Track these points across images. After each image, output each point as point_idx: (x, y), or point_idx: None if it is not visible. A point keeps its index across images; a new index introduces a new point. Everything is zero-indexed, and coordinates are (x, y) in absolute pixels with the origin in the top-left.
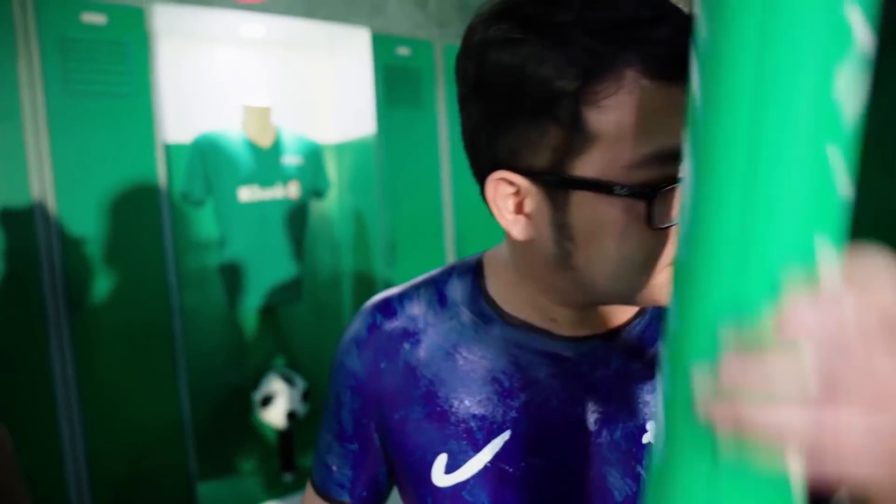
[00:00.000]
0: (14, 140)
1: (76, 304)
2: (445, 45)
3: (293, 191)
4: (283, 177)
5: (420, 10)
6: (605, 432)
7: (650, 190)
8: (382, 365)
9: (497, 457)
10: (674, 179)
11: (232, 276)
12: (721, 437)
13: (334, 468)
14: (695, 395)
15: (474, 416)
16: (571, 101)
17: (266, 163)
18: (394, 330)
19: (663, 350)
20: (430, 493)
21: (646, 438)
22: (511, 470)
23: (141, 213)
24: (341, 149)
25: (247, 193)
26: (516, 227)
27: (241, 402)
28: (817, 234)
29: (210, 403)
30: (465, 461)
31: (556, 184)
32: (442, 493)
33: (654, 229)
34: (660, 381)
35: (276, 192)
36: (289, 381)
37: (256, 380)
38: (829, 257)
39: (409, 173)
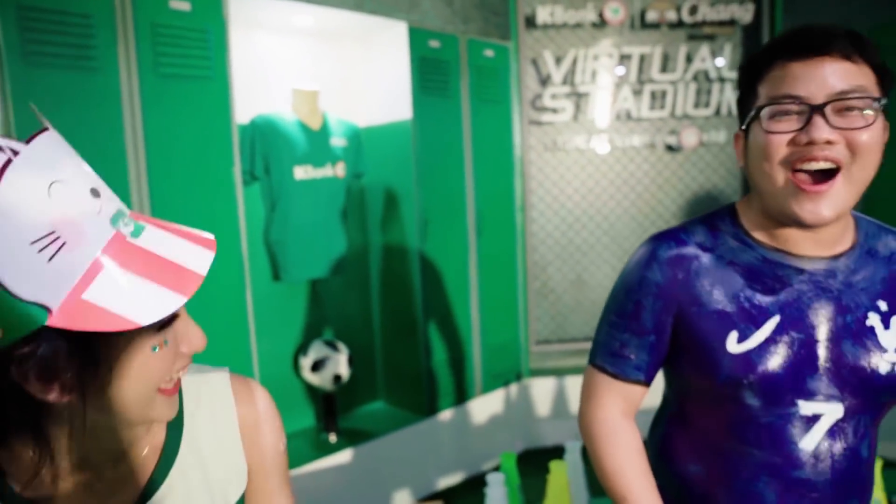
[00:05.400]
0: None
1: None
2: (468, 39)
3: (340, 171)
4: (332, 157)
5: (448, 7)
6: (839, 318)
7: None
8: (680, 276)
9: (773, 332)
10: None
11: (282, 250)
12: None
13: (632, 357)
14: None
15: (752, 306)
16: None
17: (317, 144)
18: (685, 251)
19: None
20: (725, 357)
21: (868, 322)
22: (781, 340)
23: (219, 189)
24: (373, 132)
25: (301, 172)
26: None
27: (288, 366)
28: None
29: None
30: (751, 335)
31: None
32: (736, 357)
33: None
34: None
35: (327, 172)
36: (334, 347)
37: (304, 347)
38: None
39: (438, 156)
